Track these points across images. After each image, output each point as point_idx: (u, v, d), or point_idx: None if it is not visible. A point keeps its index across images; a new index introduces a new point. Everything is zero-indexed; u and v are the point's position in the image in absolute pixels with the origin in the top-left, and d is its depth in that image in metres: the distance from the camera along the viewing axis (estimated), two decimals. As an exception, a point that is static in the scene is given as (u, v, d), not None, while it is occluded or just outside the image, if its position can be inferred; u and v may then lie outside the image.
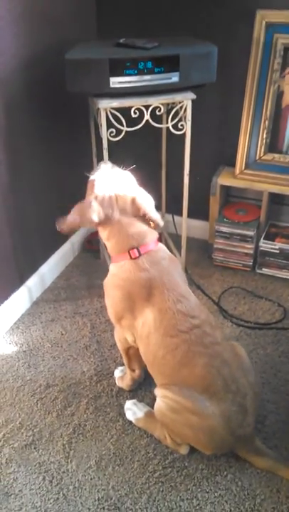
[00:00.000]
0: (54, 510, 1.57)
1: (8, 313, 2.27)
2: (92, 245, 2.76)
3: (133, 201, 1.60)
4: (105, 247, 1.71)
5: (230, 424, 1.53)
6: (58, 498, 1.61)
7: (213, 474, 1.65)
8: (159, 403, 1.62)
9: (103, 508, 1.58)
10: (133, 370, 1.86)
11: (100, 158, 2.09)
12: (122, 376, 1.95)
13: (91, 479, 1.66)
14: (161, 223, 1.66)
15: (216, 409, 1.51)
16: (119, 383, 1.96)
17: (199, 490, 1.61)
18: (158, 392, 1.64)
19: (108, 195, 1.58)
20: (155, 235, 1.66)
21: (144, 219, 1.63)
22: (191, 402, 1.52)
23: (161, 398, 1.61)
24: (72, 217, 1.60)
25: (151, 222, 1.65)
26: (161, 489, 1.62)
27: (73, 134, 2.46)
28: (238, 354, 1.64)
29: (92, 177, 1.65)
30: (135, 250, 1.59)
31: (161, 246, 1.67)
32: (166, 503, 1.58)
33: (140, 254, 1.59)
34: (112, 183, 1.61)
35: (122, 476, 1.67)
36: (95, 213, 1.56)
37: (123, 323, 1.66)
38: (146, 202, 1.62)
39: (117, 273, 1.63)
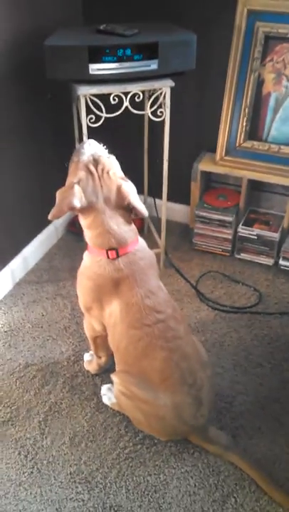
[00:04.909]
0: (28, 483, 1.65)
1: (-10, 293, 2.32)
2: (75, 228, 2.80)
3: (119, 189, 1.53)
4: (82, 232, 1.66)
5: (183, 415, 1.59)
6: (32, 472, 1.68)
7: (181, 452, 1.73)
8: (116, 388, 1.71)
9: (74, 481, 1.65)
10: (100, 357, 1.92)
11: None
12: (90, 360, 2.01)
13: (64, 454, 1.74)
14: (146, 213, 1.59)
15: (168, 401, 1.57)
16: (86, 366, 2.02)
17: (166, 466, 1.69)
18: (113, 377, 1.71)
19: (93, 180, 1.52)
20: (136, 235, 1.63)
21: (128, 208, 1.57)
22: (140, 391, 1.60)
23: (115, 384, 1.70)
24: (56, 203, 1.53)
25: (134, 212, 1.59)
26: (130, 465, 1.70)
27: (56, 119, 2.48)
28: (198, 348, 1.69)
29: (75, 159, 1.59)
30: (114, 252, 1.56)
31: (141, 244, 1.65)
32: (134, 478, 1.66)
33: (118, 256, 1.57)
34: (98, 168, 1.53)
35: (94, 451, 1.74)
36: (77, 198, 1.49)
37: (92, 312, 1.70)
38: (132, 191, 1.56)
39: (91, 266, 1.62)
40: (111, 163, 1.57)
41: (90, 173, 1.53)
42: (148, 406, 1.61)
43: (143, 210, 1.58)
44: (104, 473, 1.68)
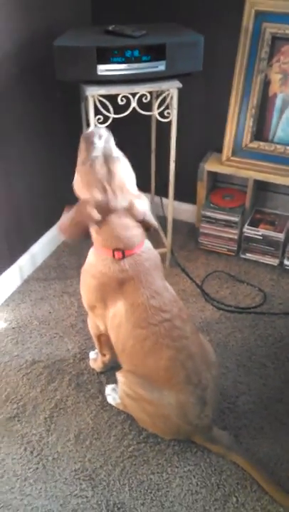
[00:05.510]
0: (33, 479, 1.68)
1: (-2, 290, 2.35)
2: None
3: (131, 206, 1.56)
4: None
5: (187, 415, 1.61)
6: (37, 468, 1.71)
7: (184, 451, 1.75)
8: (120, 388, 1.73)
9: (79, 478, 1.68)
10: (104, 355, 1.94)
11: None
12: (95, 358, 2.04)
13: (69, 451, 1.76)
14: (156, 226, 1.64)
15: (173, 400, 1.59)
16: (91, 364, 2.05)
17: (169, 465, 1.72)
18: (119, 376, 1.73)
19: (106, 196, 1.54)
20: (143, 237, 1.64)
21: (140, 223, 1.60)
22: (146, 392, 1.62)
23: (120, 384, 1.72)
24: (68, 218, 1.58)
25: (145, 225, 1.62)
26: (134, 463, 1.72)
27: (65, 118, 2.50)
28: (205, 348, 1.70)
29: (84, 152, 1.58)
30: (120, 253, 1.58)
31: (147, 245, 1.66)
32: (137, 476, 1.69)
33: (124, 257, 1.59)
34: (112, 184, 1.54)
35: (98, 449, 1.77)
36: (92, 218, 1.54)
37: (96, 311, 1.72)
38: (145, 208, 1.59)
39: (96, 264, 1.63)
40: (123, 178, 1.56)
41: (104, 189, 1.54)
42: (153, 407, 1.63)
43: (155, 225, 1.67)
44: (108, 470, 1.71)
